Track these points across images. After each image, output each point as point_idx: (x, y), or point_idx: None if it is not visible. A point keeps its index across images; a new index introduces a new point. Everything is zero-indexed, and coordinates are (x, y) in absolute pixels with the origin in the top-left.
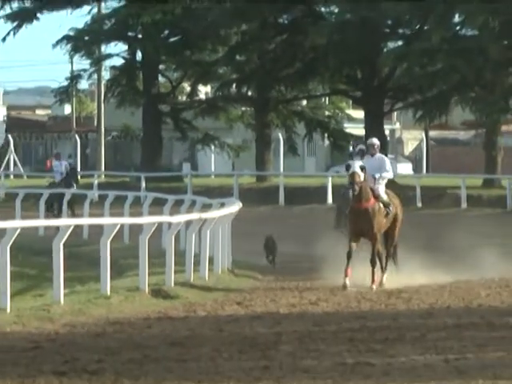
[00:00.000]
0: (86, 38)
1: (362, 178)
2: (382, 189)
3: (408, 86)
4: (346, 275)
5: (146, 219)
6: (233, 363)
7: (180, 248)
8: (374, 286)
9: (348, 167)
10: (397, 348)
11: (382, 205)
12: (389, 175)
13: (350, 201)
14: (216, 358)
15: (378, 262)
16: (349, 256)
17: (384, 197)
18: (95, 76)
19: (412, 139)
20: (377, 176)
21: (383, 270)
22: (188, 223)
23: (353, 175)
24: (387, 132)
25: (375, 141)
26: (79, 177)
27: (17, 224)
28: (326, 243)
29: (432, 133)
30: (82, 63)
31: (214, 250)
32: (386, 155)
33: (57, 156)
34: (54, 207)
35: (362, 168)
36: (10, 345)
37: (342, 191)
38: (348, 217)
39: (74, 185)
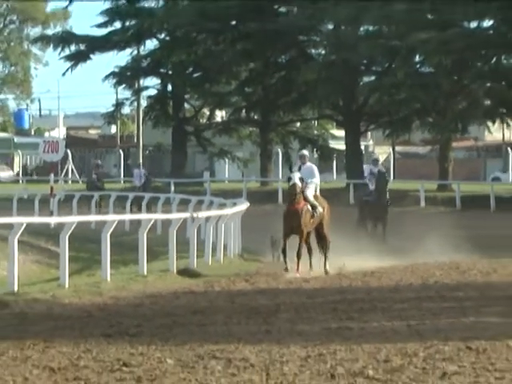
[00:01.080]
0: (128, 73)
1: (300, 188)
2: (310, 193)
3: (379, 111)
4: (286, 268)
5: (174, 215)
6: (241, 327)
7: (201, 238)
8: (298, 275)
9: (289, 179)
10: (370, 316)
11: (309, 207)
12: (316, 181)
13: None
14: (228, 323)
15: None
16: (284, 251)
17: (311, 200)
18: (135, 103)
19: (382, 153)
20: (308, 181)
21: (326, 260)
22: (207, 218)
23: (294, 186)
24: (363, 147)
25: (305, 152)
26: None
27: (73, 219)
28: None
29: (398, 148)
30: (124, 93)
31: (227, 240)
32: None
33: (138, 165)
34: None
35: (301, 179)
36: (68, 313)
37: (361, 194)
38: (283, 217)
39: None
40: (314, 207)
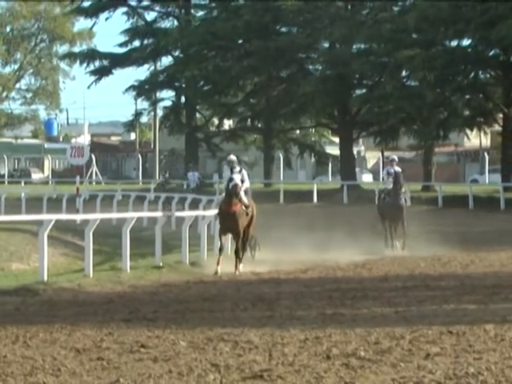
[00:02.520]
0: (146, 86)
1: (241, 189)
2: (242, 194)
3: (370, 120)
4: (218, 264)
5: (186, 213)
6: (247, 313)
7: (211, 233)
8: (237, 272)
9: (231, 180)
10: (361, 303)
11: (244, 207)
12: (246, 184)
13: (388, 204)
14: (235, 309)
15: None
16: (221, 249)
17: (245, 200)
18: (152, 113)
19: (372, 157)
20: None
21: (240, 260)
22: (216, 216)
23: (235, 186)
24: (355, 152)
25: (233, 157)
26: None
27: (97, 216)
28: (312, 228)
29: (386, 153)
30: (143, 104)
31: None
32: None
33: (192, 168)
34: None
35: (242, 181)
36: (91, 300)
37: (382, 196)
38: (219, 217)
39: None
40: (247, 207)
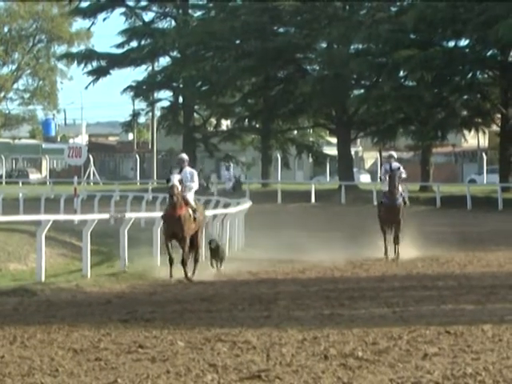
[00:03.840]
0: (144, 87)
1: (179, 190)
2: (191, 196)
3: (367, 121)
4: (171, 276)
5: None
6: (244, 313)
7: (208, 233)
8: (186, 281)
9: (168, 180)
10: (359, 303)
11: (191, 211)
12: (195, 186)
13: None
14: (233, 309)
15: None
16: (170, 259)
17: (193, 203)
18: (150, 113)
19: (370, 158)
20: (188, 185)
21: (194, 269)
22: (214, 216)
23: (172, 187)
24: (353, 152)
25: (185, 156)
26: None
27: (95, 217)
28: (309, 227)
29: (384, 153)
30: (140, 105)
31: (232, 235)
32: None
33: (227, 168)
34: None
35: (180, 181)
36: (89, 300)
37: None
38: (163, 222)
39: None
40: (194, 211)
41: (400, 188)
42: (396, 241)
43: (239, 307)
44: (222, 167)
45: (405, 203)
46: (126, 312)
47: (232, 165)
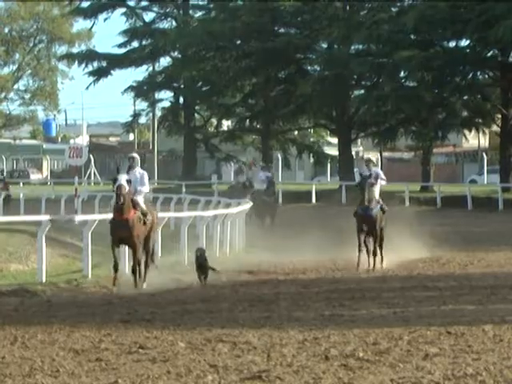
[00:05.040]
0: (145, 87)
1: (127, 190)
2: (141, 199)
3: (368, 121)
4: (114, 284)
5: (185, 214)
6: (245, 314)
7: (209, 234)
8: (144, 285)
9: (115, 180)
10: (360, 304)
11: (141, 214)
12: (145, 189)
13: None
14: (233, 310)
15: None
16: (115, 266)
17: (143, 206)
18: (151, 114)
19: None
20: (138, 188)
21: (144, 276)
22: (214, 217)
23: (119, 187)
24: (353, 153)
25: (136, 155)
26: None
27: (95, 217)
28: (311, 228)
29: (385, 153)
30: (141, 105)
31: (233, 235)
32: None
33: (264, 168)
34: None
35: (128, 181)
36: (91, 301)
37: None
38: (110, 226)
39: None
40: (144, 214)
41: (376, 196)
42: (374, 253)
43: (240, 308)
44: (258, 167)
45: (383, 211)
46: (126, 312)
47: (270, 165)
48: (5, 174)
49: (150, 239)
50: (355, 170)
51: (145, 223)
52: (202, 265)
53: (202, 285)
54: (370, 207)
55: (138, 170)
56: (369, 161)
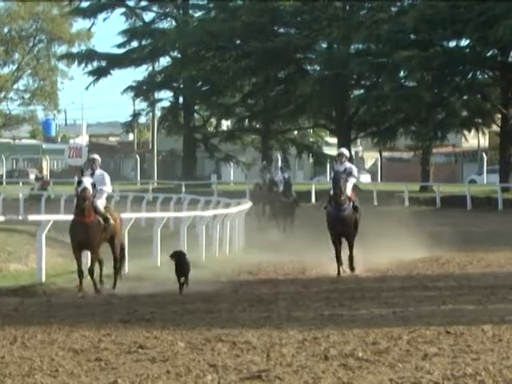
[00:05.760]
0: (144, 87)
1: (91, 194)
2: (100, 203)
3: (368, 121)
4: (79, 290)
5: (185, 213)
6: (245, 314)
7: (208, 233)
8: (95, 293)
9: (80, 183)
10: (359, 304)
11: (101, 219)
12: (108, 189)
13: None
14: (233, 310)
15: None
16: (79, 272)
17: (102, 211)
18: (150, 114)
19: (370, 158)
20: (99, 187)
21: (114, 283)
22: (214, 216)
23: (84, 190)
24: (353, 153)
25: (97, 157)
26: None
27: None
28: (312, 229)
29: (384, 153)
30: (141, 105)
31: (232, 235)
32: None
33: (280, 169)
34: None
35: (93, 184)
36: (90, 301)
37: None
38: (70, 229)
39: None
40: (105, 219)
41: (349, 192)
42: (350, 257)
43: (239, 308)
44: (275, 167)
45: (356, 210)
46: (126, 312)
47: (286, 166)
48: (45, 173)
49: (116, 245)
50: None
51: (105, 229)
52: (182, 268)
53: (180, 292)
54: (343, 205)
55: (100, 172)
56: (341, 155)
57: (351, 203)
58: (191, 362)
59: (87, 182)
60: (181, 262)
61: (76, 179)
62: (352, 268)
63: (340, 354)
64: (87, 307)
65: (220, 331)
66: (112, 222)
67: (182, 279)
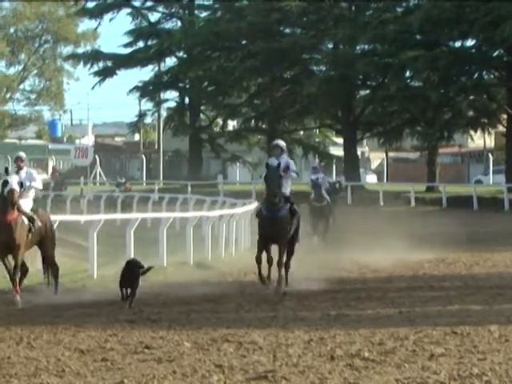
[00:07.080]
0: (150, 87)
1: (18, 194)
2: (26, 202)
3: (374, 121)
4: (16, 292)
5: (191, 214)
6: (251, 314)
7: (215, 234)
8: (18, 297)
9: (5, 183)
10: (366, 304)
11: (26, 219)
12: (38, 185)
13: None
14: (239, 310)
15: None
16: (10, 273)
17: (26, 211)
18: (156, 114)
19: (376, 158)
20: (27, 183)
21: (55, 288)
22: (220, 217)
23: (12, 192)
24: (359, 153)
25: (23, 154)
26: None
27: (101, 217)
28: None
29: (390, 153)
30: (147, 105)
31: (238, 235)
32: None
33: (313, 168)
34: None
35: (20, 184)
36: (96, 301)
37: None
38: None
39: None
40: (31, 220)
41: (288, 192)
42: (279, 263)
43: (245, 308)
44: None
45: (293, 213)
46: (132, 312)
47: (321, 165)
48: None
49: (48, 248)
50: (361, 170)
51: (30, 230)
52: (131, 279)
53: (127, 305)
54: (277, 206)
55: (26, 170)
56: (277, 146)
57: (288, 204)
58: (197, 362)
59: (14, 181)
60: (128, 272)
61: (82, 179)
62: (279, 282)
63: (346, 355)
64: (93, 307)
65: (226, 331)
66: (39, 223)
67: (129, 291)
